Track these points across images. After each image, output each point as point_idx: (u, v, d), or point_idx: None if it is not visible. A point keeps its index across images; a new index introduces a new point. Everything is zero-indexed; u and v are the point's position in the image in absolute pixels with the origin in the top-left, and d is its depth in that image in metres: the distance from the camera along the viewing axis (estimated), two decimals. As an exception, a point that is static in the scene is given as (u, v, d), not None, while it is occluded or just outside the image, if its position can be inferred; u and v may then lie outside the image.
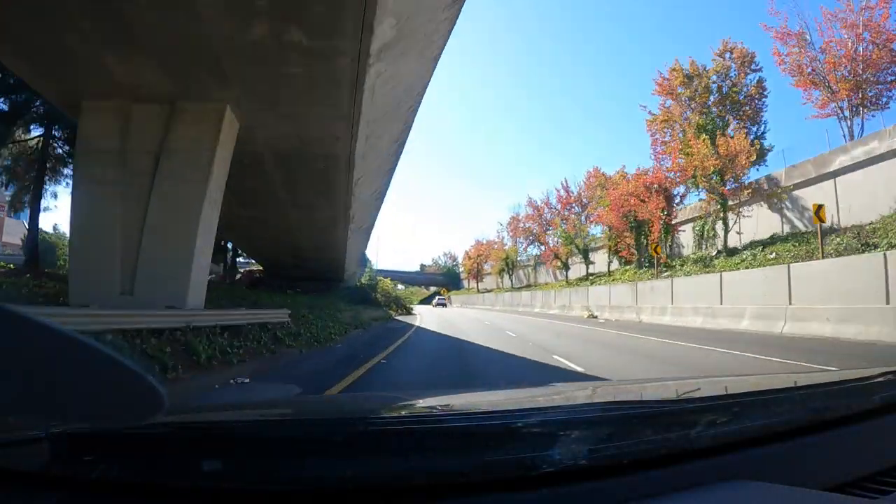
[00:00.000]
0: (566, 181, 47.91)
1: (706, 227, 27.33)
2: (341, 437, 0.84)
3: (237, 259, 41.52)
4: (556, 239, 41.21)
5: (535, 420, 0.94)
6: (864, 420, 1.09)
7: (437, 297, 69.02)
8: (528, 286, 49.06)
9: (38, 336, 0.52)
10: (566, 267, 38.08)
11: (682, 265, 24.83)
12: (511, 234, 55.81)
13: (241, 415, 1.26)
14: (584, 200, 45.69)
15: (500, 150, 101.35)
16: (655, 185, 24.66)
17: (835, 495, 0.83)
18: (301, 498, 0.75)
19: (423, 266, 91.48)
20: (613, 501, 0.77)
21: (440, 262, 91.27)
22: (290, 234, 21.11)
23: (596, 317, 24.55)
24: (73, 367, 0.56)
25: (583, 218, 41.30)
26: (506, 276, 54.79)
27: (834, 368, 5.31)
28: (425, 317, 27.54)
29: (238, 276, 40.30)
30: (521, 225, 55.46)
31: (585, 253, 34.95)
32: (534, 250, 54.80)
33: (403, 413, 1.31)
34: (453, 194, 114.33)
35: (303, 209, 16.81)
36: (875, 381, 1.28)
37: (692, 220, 26.64)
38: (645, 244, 27.91)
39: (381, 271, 68.29)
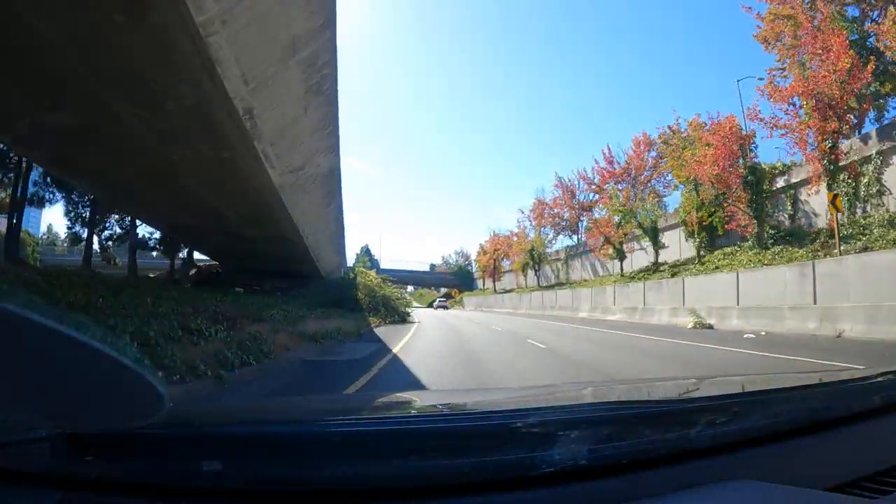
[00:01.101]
0: (609, 149, 37.74)
1: (865, 179, 17.05)
2: (340, 438, 0.84)
3: (193, 254, 32.45)
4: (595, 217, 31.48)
5: (535, 420, 0.94)
6: (864, 420, 1.08)
7: (438, 300, 61.53)
8: (560, 284, 39.09)
9: (39, 336, 0.51)
10: (621, 255, 28.03)
11: (860, 231, 14.83)
12: (536, 221, 45.92)
13: (242, 415, 1.28)
14: (633, 172, 35.68)
15: (513, 145, 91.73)
16: (812, 99, 14.43)
17: (835, 495, 0.81)
18: (301, 498, 0.76)
19: (433, 266, 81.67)
20: (613, 501, 0.76)
21: (451, 261, 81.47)
22: (176, 180, 11.61)
23: (711, 326, 14.64)
24: (73, 367, 0.55)
25: (632, 194, 31.30)
26: (530, 273, 44.84)
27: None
28: (426, 328, 17.36)
29: (192, 272, 31.02)
30: (548, 211, 45.42)
31: (654, 232, 24.90)
32: (565, 241, 44.76)
33: (403, 413, 1.32)
34: (465, 192, 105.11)
35: (143, 105, 7.22)
36: (875, 381, 1.27)
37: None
38: (768, 208, 18.10)
39: (386, 271, 60.09)
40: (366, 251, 67.43)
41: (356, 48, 60.63)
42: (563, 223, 44.95)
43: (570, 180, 43.26)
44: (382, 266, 61.07)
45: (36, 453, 0.75)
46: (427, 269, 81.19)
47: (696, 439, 0.90)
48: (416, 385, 6.06)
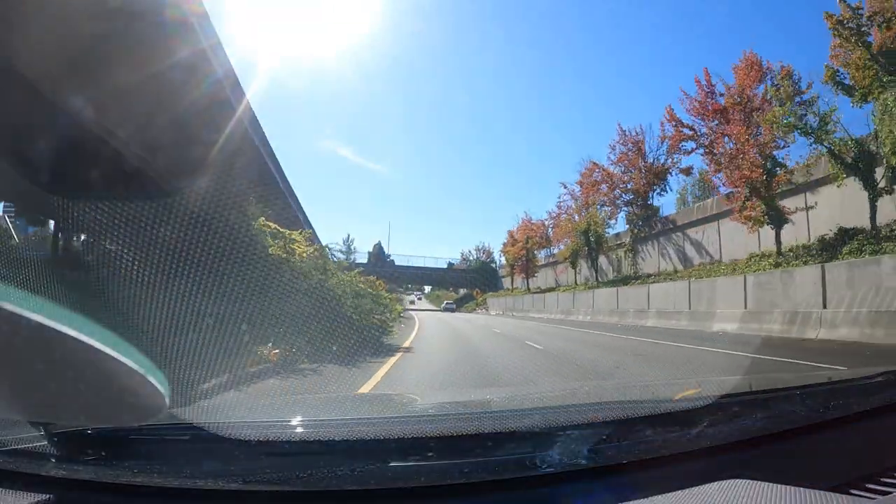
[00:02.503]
0: (707, 75, 25.59)
1: None
2: (341, 438, 0.84)
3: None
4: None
5: (535, 420, 0.95)
6: (864, 420, 1.07)
7: (445, 304, 53.44)
8: (630, 278, 26.89)
9: (39, 335, 0.50)
10: (777, 219, 15.78)
11: None
12: (584, 196, 33.74)
13: (241, 415, 1.27)
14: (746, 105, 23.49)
15: (542, 145, 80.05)
16: None
17: (835, 495, 0.79)
18: (300, 498, 0.76)
19: (450, 264, 69.90)
20: (613, 501, 0.76)
21: (472, 257, 69.62)
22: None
23: None
24: (74, 367, 0.54)
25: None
26: (582, 266, 32.71)
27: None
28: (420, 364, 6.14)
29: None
30: (603, 180, 33.41)
31: (868, 160, 12.60)
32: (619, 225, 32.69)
33: (404, 414, 1.33)
34: (486, 192, 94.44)
35: None
36: (875, 381, 1.26)
37: None
38: None
39: (399, 268, 53.21)
40: (378, 248, 61.95)
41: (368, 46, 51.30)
42: (626, 197, 32.60)
43: (636, 132, 31.07)
44: (398, 263, 55.59)
45: (35, 453, 0.75)
46: (444, 266, 69.54)
47: (696, 439, 0.90)
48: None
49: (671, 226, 26.91)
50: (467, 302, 58.13)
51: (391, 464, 0.79)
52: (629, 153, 31.69)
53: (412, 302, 67.87)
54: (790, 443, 0.97)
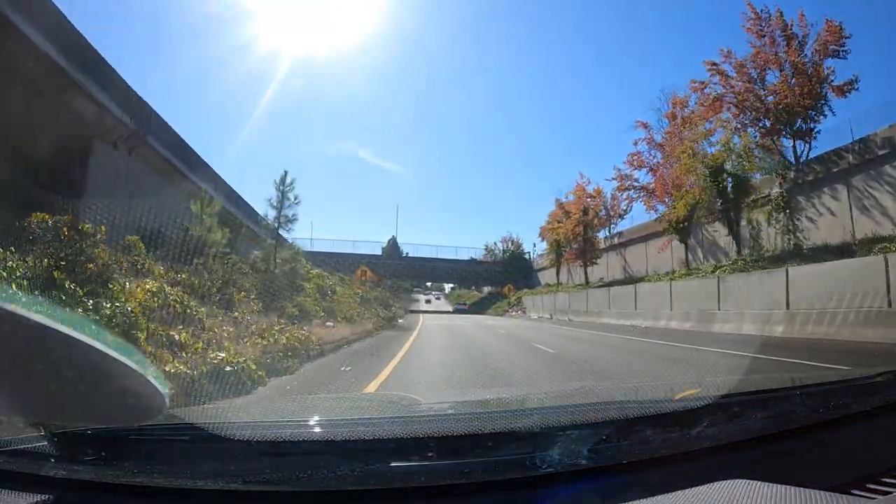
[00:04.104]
0: None
1: None
2: (342, 438, 0.84)
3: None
4: None
5: (535, 420, 0.95)
6: (864, 420, 1.07)
7: (457, 304, 50.19)
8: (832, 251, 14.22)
9: (40, 336, 0.50)
10: None
11: None
12: (673, 137, 21.82)
13: (240, 415, 1.29)
14: None
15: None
16: None
17: (835, 495, 0.79)
18: (301, 497, 0.76)
19: (473, 259, 58.33)
20: (614, 501, 0.76)
21: (498, 249, 57.67)
22: None
23: None
24: (74, 367, 0.55)
25: None
26: (701, 234, 20.55)
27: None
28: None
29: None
30: (721, 113, 21.09)
31: None
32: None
33: (405, 414, 1.31)
34: (509, 182, 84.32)
35: None
36: (875, 381, 1.25)
37: None
38: None
39: (414, 260, 49.07)
40: (392, 242, 56.85)
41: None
42: (763, 123, 20.60)
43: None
44: (414, 255, 49.26)
45: (35, 453, 0.75)
46: (466, 259, 58.36)
47: (696, 439, 0.90)
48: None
49: (879, 152, 14.89)
50: (495, 301, 46.23)
51: (391, 464, 0.79)
52: (767, 49, 19.59)
53: (428, 301, 57.47)
54: (790, 443, 0.97)
